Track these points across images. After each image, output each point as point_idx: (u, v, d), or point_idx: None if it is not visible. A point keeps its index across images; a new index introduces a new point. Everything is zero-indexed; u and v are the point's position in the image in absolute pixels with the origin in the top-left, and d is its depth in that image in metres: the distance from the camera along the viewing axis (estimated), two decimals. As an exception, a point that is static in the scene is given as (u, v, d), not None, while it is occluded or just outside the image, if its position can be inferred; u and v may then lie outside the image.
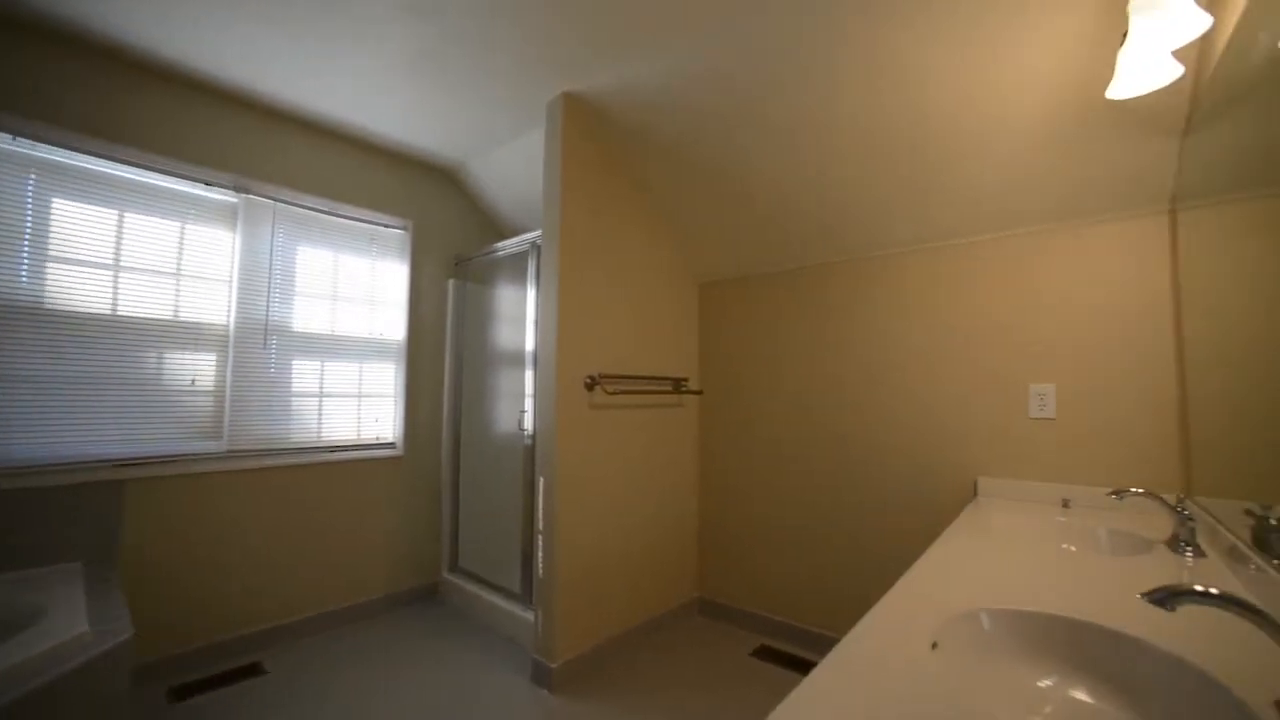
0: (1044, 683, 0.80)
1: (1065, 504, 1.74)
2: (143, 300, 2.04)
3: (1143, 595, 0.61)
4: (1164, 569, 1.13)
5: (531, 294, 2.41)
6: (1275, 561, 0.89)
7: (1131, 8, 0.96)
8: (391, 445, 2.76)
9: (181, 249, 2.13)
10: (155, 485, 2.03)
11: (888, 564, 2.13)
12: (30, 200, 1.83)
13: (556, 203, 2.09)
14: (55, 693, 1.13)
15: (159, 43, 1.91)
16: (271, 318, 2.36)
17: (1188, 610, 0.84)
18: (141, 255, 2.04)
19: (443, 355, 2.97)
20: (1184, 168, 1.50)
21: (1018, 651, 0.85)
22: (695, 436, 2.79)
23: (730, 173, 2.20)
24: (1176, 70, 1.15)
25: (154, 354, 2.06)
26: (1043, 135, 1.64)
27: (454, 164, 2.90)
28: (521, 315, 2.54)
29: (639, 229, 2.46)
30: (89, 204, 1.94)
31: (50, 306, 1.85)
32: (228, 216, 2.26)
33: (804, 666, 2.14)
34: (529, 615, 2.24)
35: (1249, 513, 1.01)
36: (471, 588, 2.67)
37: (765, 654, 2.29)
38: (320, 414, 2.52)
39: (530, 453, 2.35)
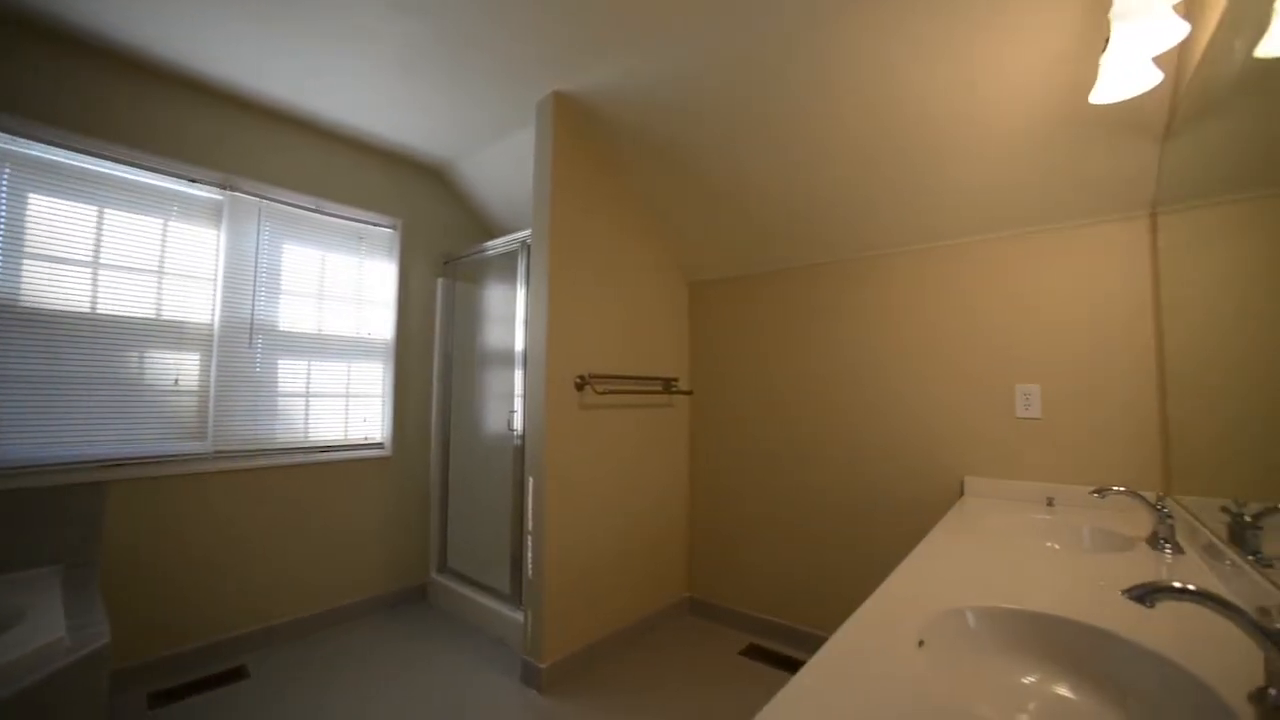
0: (1028, 679, 0.82)
1: (1049, 502, 1.76)
2: (124, 298, 2.00)
3: (1123, 592, 0.62)
4: (1144, 566, 1.15)
5: (521, 293, 2.40)
6: (1249, 557, 0.91)
7: (1113, 14, 0.97)
8: (380, 445, 2.73)
9: (164, 246, 2.10)
10: (137, 487, 1.99)
11: (876, 562, 2.15)
12: (4, 195, 1.78)
13: (546, 202, 2.08)
14: (29, 700, 1.10)
15: (142, 37, 1.88)
16: (257, 317, 2.32)
17: (1166, 606, 0.86)
18: (122, 253, 2.00)
19: (432, 355, 2.95)
20: (1164, 172, 1.53)
21: (1002, 648, 0.86)
22: (685, 437, 2.79)
23: (720, 173, 2.20)
24: (1157, 76, 1.17)
25: (136, 353, 2.02)
26: (1027, 138, 1.66)
27: (443, 163, 2.88)
28: (511, 315, 2.53)
29: (629, 228, 2.45)
30: (67, 199, 1.89)
31: (26, 304, 1.81)
32: (212, 214, 2.23)
33: (793, 665, 2.16)
34: (518, 616, 2.23)
35: (1225, 510, 1.03)
36: (460, 588, 2.65)
37: (755, 653, 2.30)
38: (307, 414, 2.49)
39: (520, 453, 2.34)
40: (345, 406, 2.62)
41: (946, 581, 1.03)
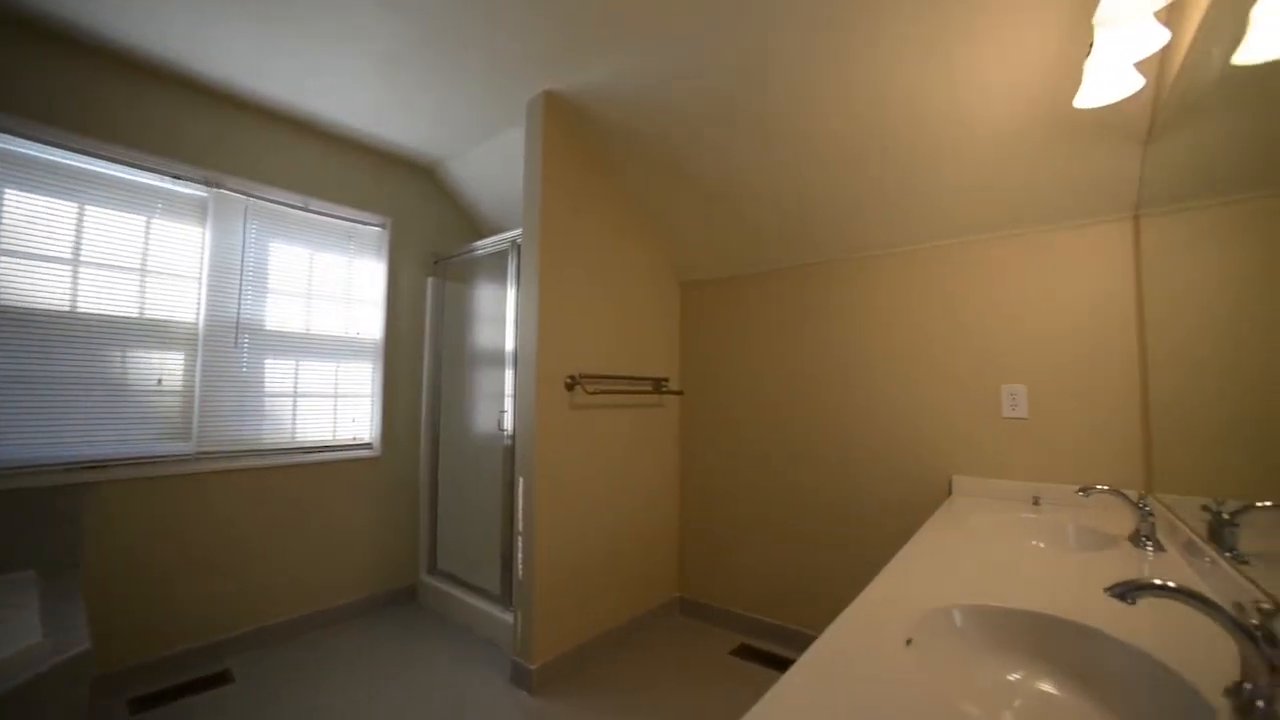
0: (1013, 676, 0.82)
1: (1036, 501, 1.79)
2: (105, 297, 1.96)
3: (1106, 590, 0.63)
4: (1126, 563, 1.17)
5: (511, 293, 2.40)
6: (1226, 554, 0.92)
7: (1097, 20, 0.99)
8: (368, 446, 2.71)
9: (147, 244, 2.06)
10: (119, 488, 1.96)
11: (866, 562, 2.17)
12: (-23, 191, 1.75)
13: (537, 201, 2.08)
14: (6, 708, 1.08)
15: (126, 31, 1.84)
16: (243, 316, 2.29)
17: (1147, 603, 0.87)
18: (103, 250, 1.96)
19: (421, 355, 2.93)
20: (1146, 175, 1.55)
21: (989, 646, 0.87)
22: (676, 437, 2.79)
23: (710, 173, 2.21)
24: (1138, 82, 1.19)
25: (117, 352, 1.99)
26: (1014, 141, 1.68)
27: (433, 161, 2.86)
28: (501, 315, 2.52)
29: (620, 228, 2.45)
30: (45, 195, 1.86)
31: (1, 303, 1.77)
32: (197, 211, 2.19)
33: (783, 664, 2.16)
34: (508, 617, 2.22)
35: (1204, 508, 1.05)
36: (450, 589, 2.63)
37: (745, 652, 2.31)
38: (294, 414, 2.46)
39: (510, 453, 2.33)
40: (333, 407, 2.60)
41: (934, 580, 1.04)
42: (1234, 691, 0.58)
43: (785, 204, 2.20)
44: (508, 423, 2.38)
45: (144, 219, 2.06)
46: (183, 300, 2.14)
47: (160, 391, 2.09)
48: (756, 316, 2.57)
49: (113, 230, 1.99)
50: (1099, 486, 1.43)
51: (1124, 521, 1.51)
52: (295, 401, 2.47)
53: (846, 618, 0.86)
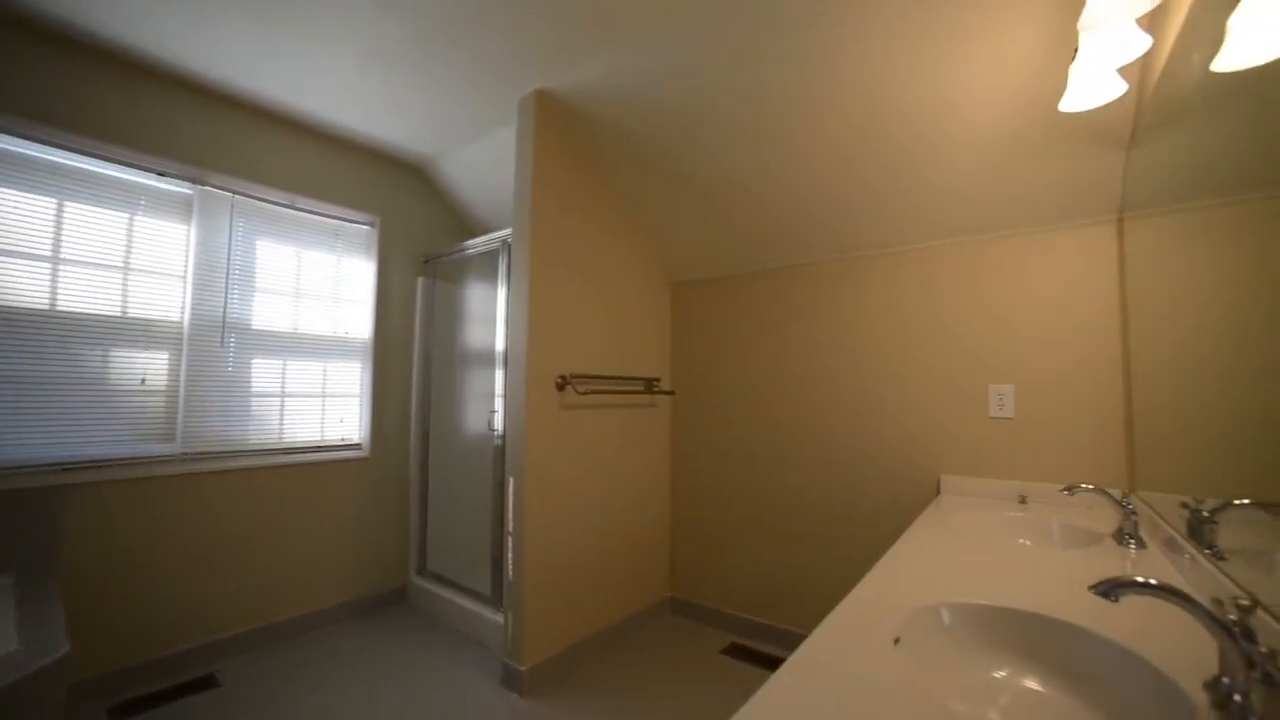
0: (999, 674, 0.83)
1: (1022, 500, 1.81)
2: (86, 295, 1.92)
3: (1090, 588, 0.63)
4: (1109, 561, 1.19)
5: (502, 293, 2.38)
6: (1206, 551, 0.94)
7: (1081, 24, 1.00)
8: (357, 446, 2.68)
9: (130, 242, 2.03)
10: (100, 490, 1.92)
11: (856, 561, 2.18)
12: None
13: (528, 201, 2.07)
14: (-17, 714, 1.05)
15: (106, 23, 1.81)
16: (230, 315, 2.26)
17: (1130, 599, 0.88)
18: (84, 247, 1.93)
19: (411, 355, 2.90)
20: (1129, 179, 1.58)
21: (976, 644, 0.88)
22: (667, 437, 2.80)
23: (700, 173, 2.21)
24: (1121, 87, 1.21)
25: (99, 351, 1.95)
26: (1001, 143, 1.70)
27: (423, 160, 2.84)
28: (492, 314, 2.51)
29: (611, 228, 2.45)
30: (21, 191, 1.82)
31: (-22, 300, 1.73)
32: (181, 208, 2.16)
33: (774, 663, 2.17)
34: (499, 618, 2.21)
35: (1185, 506, 1.07)
36: (440, 591, 2.61)
37: (736, 652, 2.32)
38: (282, 414, 2.43)
39: (500, 453, 2.32)
40: (322, 407, 2.57)
41: (922, 579, 1.05)
42: (1213, 686, 0.59)
43: (775, 204, 2.21)
44: (498, 423, 2.37)
45: (126, 216, 2.02)
46: (167, 299, 2.11)
47: (144, 391, 2.05)
48: (748, 317, 2.58)
49: (93, 227, 1.95)
50: (1084, 485, 1.45)
51: (1108, 519, 1.53)
52: (283, 401, 2.44)
53: (836, 617, 0.86)
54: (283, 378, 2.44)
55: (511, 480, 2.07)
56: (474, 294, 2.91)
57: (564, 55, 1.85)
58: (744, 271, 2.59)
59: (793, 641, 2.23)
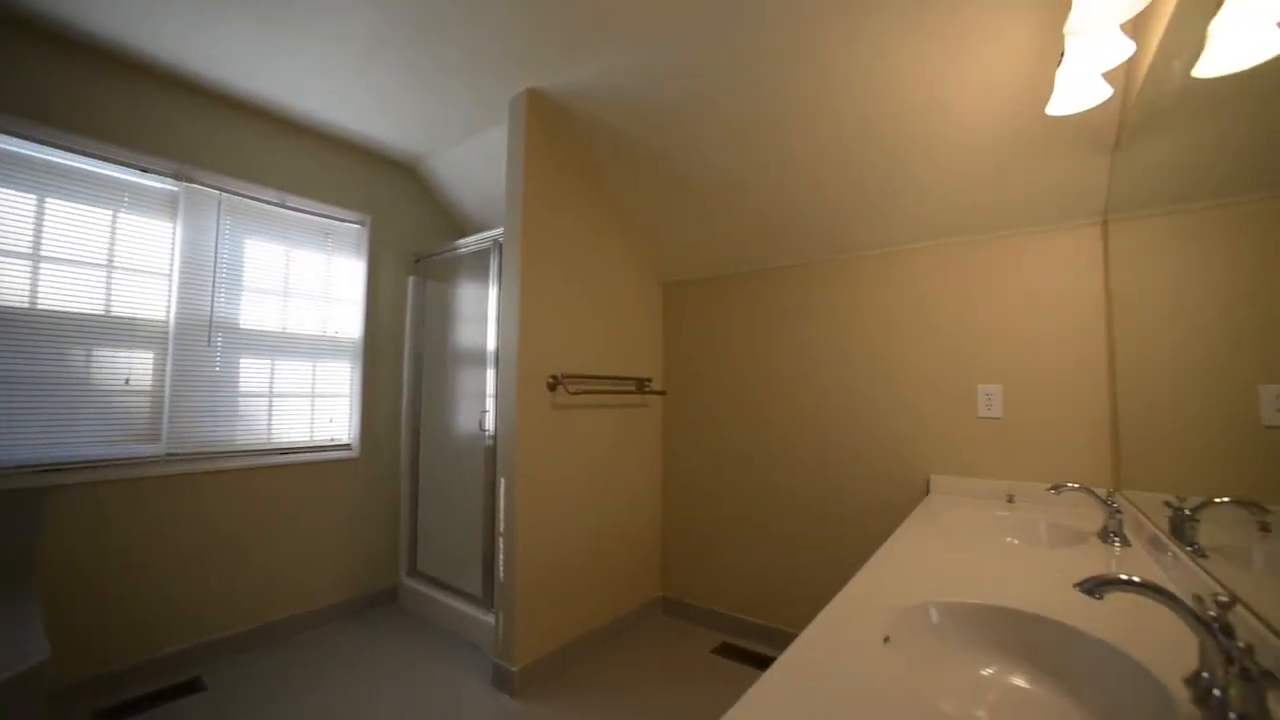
0: (987, 671, 0.84)
1: (1010, 499, 1.83)
2: (68, 293, 1.89)
3: (1075, 586, 0.64)
4: (1094, 559, 1.21)
5: (493, 292, 2.37)
6: (1187, 549, 0.96)
7: (1067, 29, 1.01)
8: (347, 447, 2.66)
9: (113, 239, 1.99)
10: (82, 491, 1.89)
11: (846, 561, 2.19)
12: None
13: (519, 200, 2.06)
14: (-40, 721, 1.03)
15: (87, 16, 1.78)
16: (217, 314, 2.23)
17: (1114, 597, 0.90)
18: (66, 245, 1.89)
19: (401, 354, 2.88)
20: (1114, 182, 1.60)
21: (964, 642, 0.89)
22: (658, 437, 2.80)
23: (692, 174, 2.22)
24: (1106, 91, 1.23)
25: (82, 351, 1.92)
26: (990, 146, 1.72)
27: (414, 158, 2.82)
28: (483, 314, 2.49)
29: (603, 228, 2.45)
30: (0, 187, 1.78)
31: (-43, 298, 1.69)
32: (167, 206, 2.13)
33: (764, 662, 2.18)
34: (490, 618, 2.20)
35: (1168, 504, 1.09)
36: (431, 592, 2.60)
37: (727, 651, 2.32)
38: (270, 415, 2.40)
39: (491, 453, 2.31)
40: (311, 407, 2.54)
41: (911, 578, 1.06)
42: (1193, 681, 0.60)
43: (768, 205, 2.22)
44: (489, 423, 2.36)
45: (109, 213, 1.99)
46: (152, 297, 2.08)
47: (128, 391, 2.02)
48: (739, 317, 2.58)
49: (75, 224, 1.92)
50: (1070, 484, 1.47)
51: (1094, 518, 1.55)
52: (271, 402, 2.41)
53: (826, 616, 0.87)
54: (271, 378, 2.41)
55: (502, 480, 2.06)
56: (465, 293, 2.90)
57: (556, 54, 1.84)
58: (736, 272, 2.60)
59: (784, 641, 2.24)
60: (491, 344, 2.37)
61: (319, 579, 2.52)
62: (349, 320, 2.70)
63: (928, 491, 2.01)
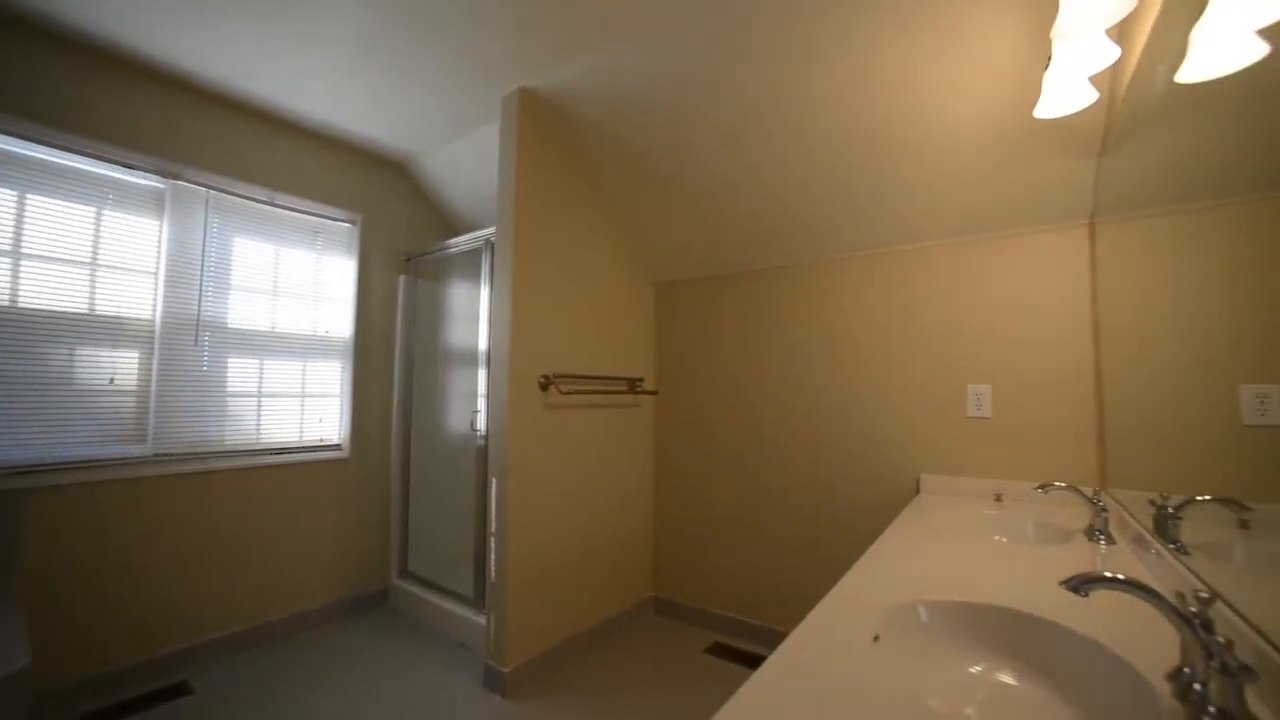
0: (975, 668, 0.85)
1: (998, 498, 1.85)
2: (50, 291, 1.86)
3: (1061, 583, 0.65)
4: (1080, 557, 1.22)
5: (485, 292, 2.37)
6: (1170, 546, 0.97)
7: (1054, 33, 1.03)
8: (337, 447, 2.64)
9: (98, 236, 1.96)
10: (65, 493, 1.86)
11: (837, 560, 2.21)
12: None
13: (511, 200, 2.06)
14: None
15: (72, 9, 1.75)
16: (204, 313, 2.21)
17: (1099, 594, 0.91)
18: (48, 242, 1.86)
19: (392, 354, 2.86)
20: (1100, 184, 1.62)
21: (952, 640, 0.89)
22: (650, 437, 2.80)
23: (684, 174, 2.22)
24: (1092, 95, 1.25)
25: (64, 350, 1.89)
26: (979, 148, 1.73)
27: (405, 157, 2.80)
28: (475, 314, 2.48)
29: (595, 228, 2.45)
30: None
31: (-63, 297, 1.66)
32: (153, 203, 2.10)
33: (757, 662, 2.18)
34: (481, 619, 2.19)
35: (1152, 502, 1.10)
36: (422, 593, 2.58)
37: (719, 651, 2.33)
38: (259, 415, 2.38)
39: (483, 453, 2.30)
40: (300, 407, 2.52)
41: (901, 577, 1.06)
42: (1175, 676, 0.61)
43: (759, 206, 2.23)
44: (481, 423, 2.35)
45: (93, 210, 1.96)
46: (138, 296, 2.05)
47: (113, 391, 1.99)
48: (730, 317, 2.59)
49: (57, 221, 1.88)
50: (1057, 483, 1.49)
51: (1080, 516, 1.57)
52: (260, 402, 2.38)
53: (816, 616, 0.87)
54: (260, 377, 2.39)
55: (494, 480, 2.05)
56: (457, 293, 2.88)
57: (549, 54, 1.84)
58: (727, 272, 2.61)
59: (775, 640, 2.25)
60: (483, 343, 2.35)
61: (309, 581, 2.50)
62: (339, 319, 2.67)
63: (918, 491, 2.03)
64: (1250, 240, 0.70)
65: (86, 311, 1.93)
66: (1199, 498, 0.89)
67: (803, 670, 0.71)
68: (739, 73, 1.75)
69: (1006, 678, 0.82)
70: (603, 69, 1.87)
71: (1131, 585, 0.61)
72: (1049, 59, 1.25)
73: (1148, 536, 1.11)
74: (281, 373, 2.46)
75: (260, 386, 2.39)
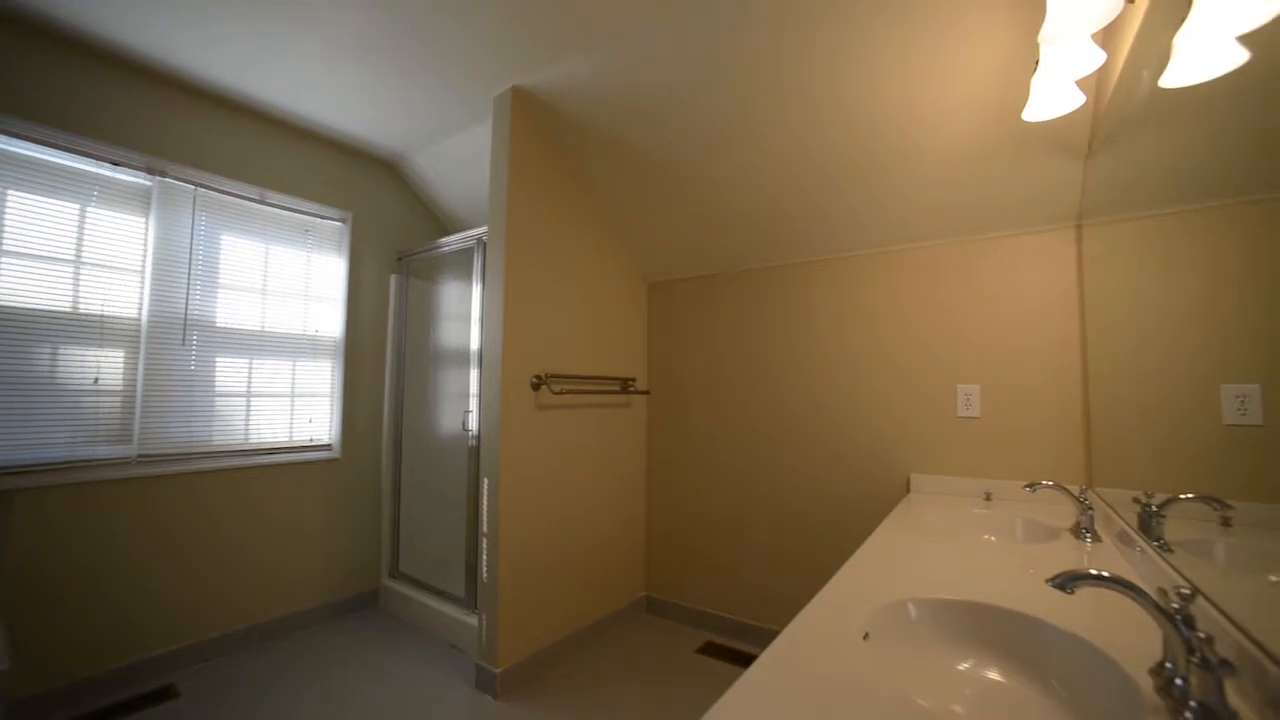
0: (963, 665, 0.86)
1: (988, 497, 1.87)
2: (30, 289, 1.82)
3: (1047, 581, 0.66)
4: (1067, 555, 1.24)
5: (477, 291, 2.35)
6: (1154, 544, 0.99)
7: (1041, 37, 1.04)
8: (328, 447, 2.62)
9: (81, 234, 1.93)
10: (46, 495, 1.83)
11: (828, 559, 2.22)
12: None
13: (503, 199, 2.05)
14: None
15: (64, 8, 1.72)
16: (192, 312, 2.18)
17: (1085, 591, 0.92)
18: (29, 239, 1.83)
19: (384, 354, 2.84)
20: (1087, 187, 1.64)
21: (941, 637, 0.90)
22: (642, 437, 2.80)
23: (677, 174, 2.22)
24: (1079, 99, 1.26)
25: (46, 349, 1.86)
26: (969, 150, 1.75)
27: (397, 155, 2.79)
28: (467, 313, 2.47)
29: (587, 227, 2.44)
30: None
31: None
32: (139, 200, 2.07)
33: (748, 661, 2.19)
34: (473, 620, 2.18)
35: (1136, 500, 1.12)
36: (413, 593, 2.57)
37: (711, 650, 2.34)
38: (248, 415, 2.35)
39: (475, 453, 2.29)
40: (290, 407, 2.50)
41: (891, 575, 1.07)
42: (1157, 671, 0.62)
43: (750, 206, 2.24)
44: (473, 423, 2.34)
45: (77, 206, 1.93)
46: (123, 294, 2.02)
47: (97, 391, 1.96)
48: (723, 318, 2.60)
49: (38, 217, 1.85)
50: (1044, 482, 1.51)
51: (1067, 514, 1.59)
52: (249, 402, 2.36)
53: (807, 614, 0.88)
54: (249, 377, 2.36)
55: (486, 481, 2.04)
56: (448, 292, 2.87)
57: (541, 53, 1.83)
58: (719, 272, 2.62)
59: (767, 639, 2.26)
60: (475, 343, 2.35)
61: (299, 582, 2.48)
62: (329, 319, 2.65)
63: (908, 490, 2.05)
64: (1234, 242, 0.71)
65: (70, 310, 1.90)
66: (1182, 496, 0.91)
67: (794, 668, 0.71)
68: (730, 73, 1.76)
69: (994, 674, 0.83)
70: (596, 69, 1.86)
71: (1115, 582, 0.62)
72: (1036, 63, 1.26)
73: (1132, 534, 1.13)
74: (271, 372, 2.43)
75: (249, 386, 2.36)
